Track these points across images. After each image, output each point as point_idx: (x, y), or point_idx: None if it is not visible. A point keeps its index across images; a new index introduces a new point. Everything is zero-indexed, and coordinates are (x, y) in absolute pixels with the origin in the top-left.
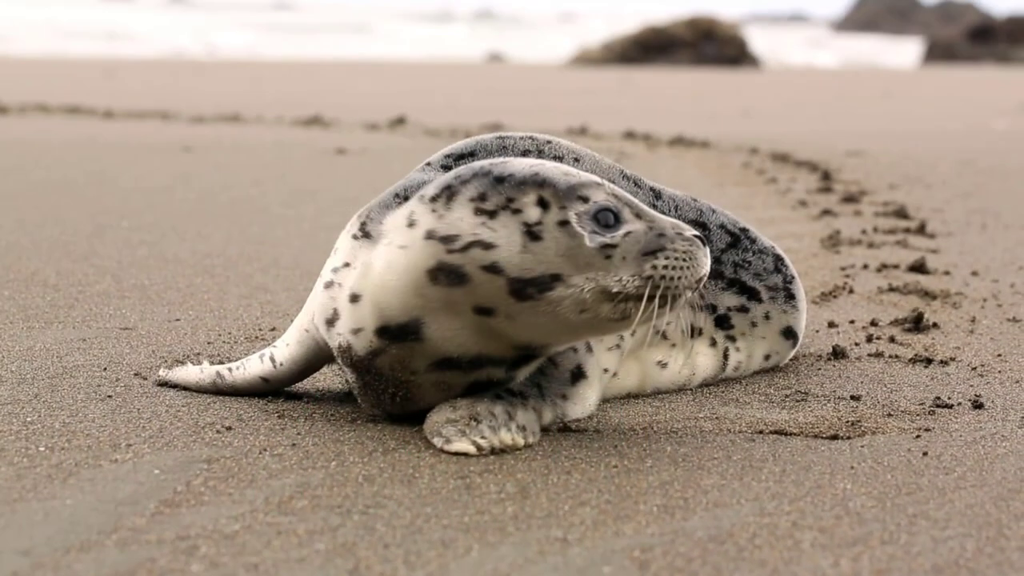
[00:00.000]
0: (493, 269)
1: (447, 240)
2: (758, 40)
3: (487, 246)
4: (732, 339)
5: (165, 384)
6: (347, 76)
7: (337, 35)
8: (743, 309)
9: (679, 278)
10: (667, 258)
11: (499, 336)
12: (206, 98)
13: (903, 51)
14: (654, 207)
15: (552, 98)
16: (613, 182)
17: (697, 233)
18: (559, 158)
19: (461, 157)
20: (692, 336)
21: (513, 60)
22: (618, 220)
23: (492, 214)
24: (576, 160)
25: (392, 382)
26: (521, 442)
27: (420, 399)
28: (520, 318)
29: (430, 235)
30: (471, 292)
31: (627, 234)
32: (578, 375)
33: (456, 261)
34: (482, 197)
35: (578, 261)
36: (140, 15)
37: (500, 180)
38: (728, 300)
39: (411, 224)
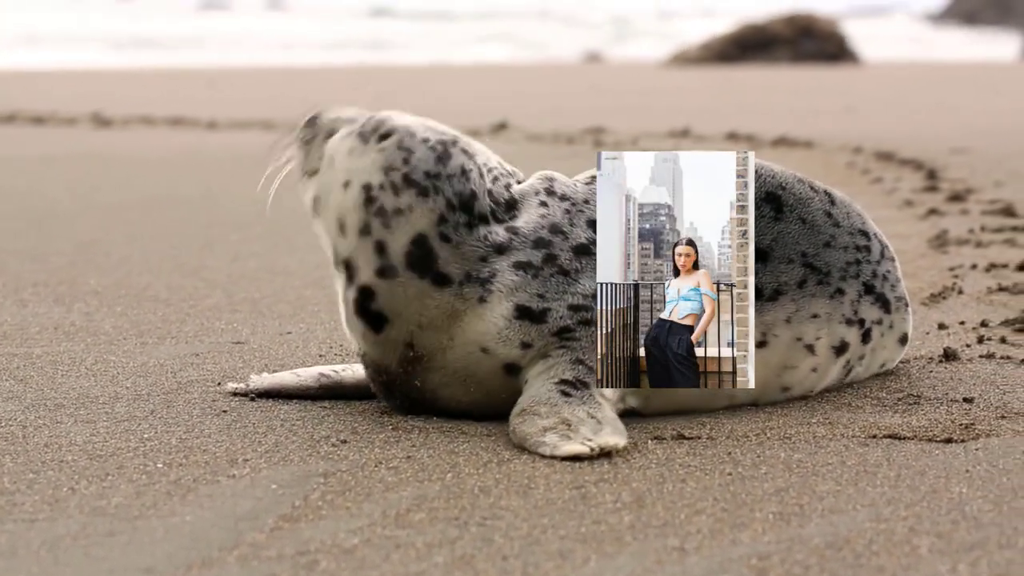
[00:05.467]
0: None
1: None
2: (857, 35)
3: None
4: (861, 356)
5: (264, 395)
6: (442, 80)
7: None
8: (879, 322)
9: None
10: None
11: None
12: (302, 107)
13: (1002, 45)
14: (828, 215)
15: (653, 98)
16: (787, 185)
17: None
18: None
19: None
20: (838, 355)
21: (611, 61)
22: None
23: None
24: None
25: None
26: (621, 443)
27: None
28: None
29: None
30: None
31: None
32: None
33: None
34: None
35: None
36: (236, 22)
37: None
38: (872, 314)
39: None
